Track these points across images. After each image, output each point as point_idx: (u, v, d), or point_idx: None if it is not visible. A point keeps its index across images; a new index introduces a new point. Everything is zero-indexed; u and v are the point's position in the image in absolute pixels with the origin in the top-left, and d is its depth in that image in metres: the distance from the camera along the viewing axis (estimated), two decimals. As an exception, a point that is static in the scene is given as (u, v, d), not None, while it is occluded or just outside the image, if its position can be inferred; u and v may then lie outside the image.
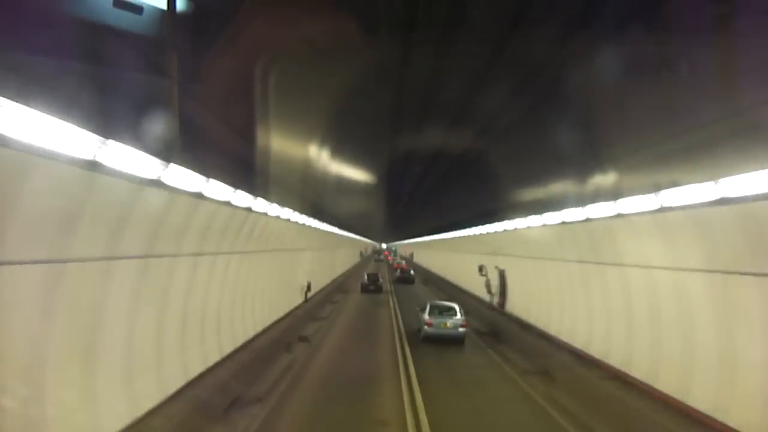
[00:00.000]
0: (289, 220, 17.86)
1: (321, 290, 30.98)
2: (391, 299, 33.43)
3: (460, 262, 36.59)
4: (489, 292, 26.47)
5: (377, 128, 17.69)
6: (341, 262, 46.81)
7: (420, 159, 22.82)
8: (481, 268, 27.46)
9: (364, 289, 36.60)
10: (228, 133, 10.52)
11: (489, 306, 25.99)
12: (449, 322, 18.48)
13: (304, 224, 21.09)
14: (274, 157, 13.62)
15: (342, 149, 18.80)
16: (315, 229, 25.25)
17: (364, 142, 19.37)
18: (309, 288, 25.52)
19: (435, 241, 48.08)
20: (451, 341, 18.25)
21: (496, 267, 25.32)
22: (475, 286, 29.86)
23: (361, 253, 77.43)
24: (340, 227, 35.87)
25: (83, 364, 6.89)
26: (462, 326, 18.48)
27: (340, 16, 8.90)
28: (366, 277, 38.14)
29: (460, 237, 33.19)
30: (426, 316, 18.74)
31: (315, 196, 21.40)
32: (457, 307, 19.42)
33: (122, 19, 6.82)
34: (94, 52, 6.35)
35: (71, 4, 6.27)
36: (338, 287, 36.83)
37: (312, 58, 10.49)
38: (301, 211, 19.13)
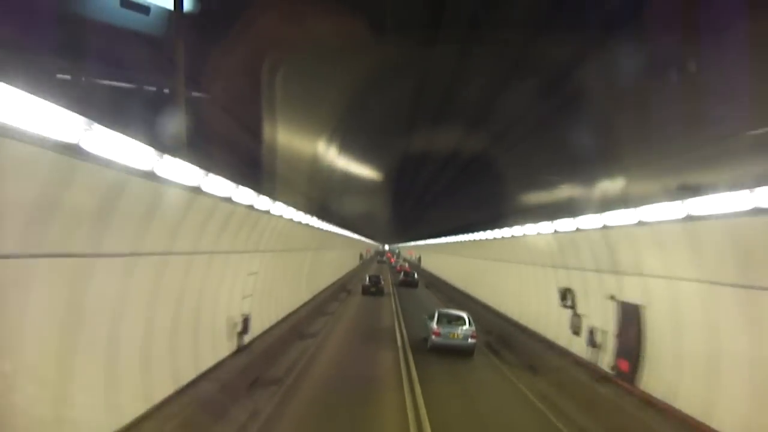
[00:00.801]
0: (231, 200, 10.61)
1: (285, 319, 19.02)
2: (397, 325, 22.74)
3: (505, 278, 24.42)
4: (591, 342, 14.27)
5: (390, 124, 17.22)
6: (332, 269, 35.20)
7: (435, 156, 21.86)
8: (565, 294, 15.48)
9: (366, 291, 35.51)
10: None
11: (592, 371, 13.67)
12: (459, 332, 17.57)
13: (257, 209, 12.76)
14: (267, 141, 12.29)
15: (347, 142, 17.35)
16: (283, 219, 15.41)
17: (373, 138, 18.83)
18: (246, 327, 13.32)
19: (456, 243, 36.45)
20: (460, 353, 17.32)
21: (613, 297, 13.13)
22: (544, 322, 17.90)
23: (361, 256, 65.39)
24: (336, 223, 28.79)
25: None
26: (472, 337, 17.56)
27: (355, 14, 8.87)
28: (367, 279, 36.94)
29: (509, 238, 21.25)
30: (434, 325, 17.80)
31: (304, 182, 17.81)
32: (466, 316, 18.32)
33: (129, 19, 7.01)
34: (101, 51, 6.71)
35: (79, 4, 6.70)
36: (320, 306, 25.66)
37: (327, 55, 10.54)
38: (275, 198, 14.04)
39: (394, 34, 10.21)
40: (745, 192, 7.89)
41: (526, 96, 12.45)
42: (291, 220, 16.55)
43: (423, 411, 11.17)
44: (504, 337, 19.68)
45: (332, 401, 11.88)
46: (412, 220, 47.27)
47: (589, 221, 13.08)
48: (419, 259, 73.85)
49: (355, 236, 47.10)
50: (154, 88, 8.63)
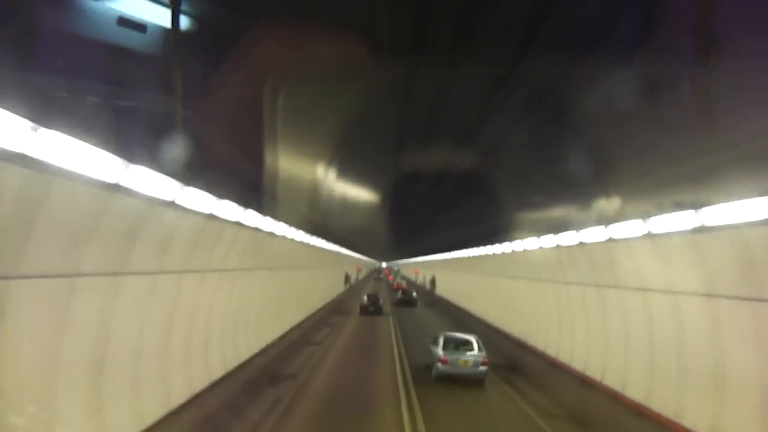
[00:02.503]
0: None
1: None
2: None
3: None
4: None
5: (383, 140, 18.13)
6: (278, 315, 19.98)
7: (430, 168, 22.48)
8: None
9: (364, 311, 33.34)
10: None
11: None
12: (468, 359, 16.44)
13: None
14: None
15: (343, 162, 18.45)
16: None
17: (368, 156, 19.67)
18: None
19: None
20: (468, 382, 16.19)
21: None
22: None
23: (347, 279, 47.99)
24: (311, 232, 22.82)
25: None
26: (483, 364, 16.45)
27: (347, 38, 9.43)
28: (366, 298, 34.62)
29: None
30: (440, 351, 16.72)
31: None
32: (475, 341, 17.23)
33: (126, 37, 7.61)
34: (97, 69, 7.20)
35: (76, 23, 7.22)
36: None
37: (319, 78, 11.20)
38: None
39: (382, 58, 10.75)
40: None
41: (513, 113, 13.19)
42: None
43: None
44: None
45: None
46: (413, 233, 44.51)
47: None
48: (433, 282, 51.33)
49: (337, 249, 35.19)
50: (153, 108, 8.87)
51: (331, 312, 31.83)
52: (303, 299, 25.22)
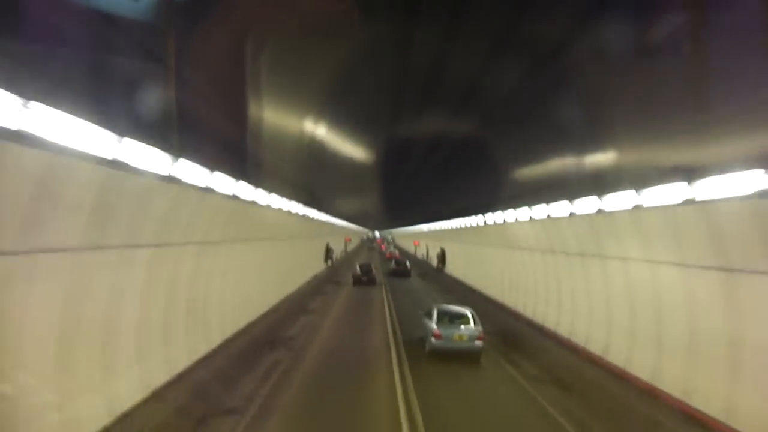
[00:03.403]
0: None
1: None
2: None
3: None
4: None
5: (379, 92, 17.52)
6: None
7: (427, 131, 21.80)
8: None
9: (357, 281, 33.89)
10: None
11: None
12: (463, 334, 15.88)
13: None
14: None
15: (333, 120, 18.40)
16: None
17: (361, 114, 19.50)
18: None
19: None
20: (464, 357, 15.89)
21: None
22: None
23: (328, 253, 39.22)
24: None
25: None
26: (479, 339, 15.88)
27: None
28: (358, 268, 35.24)
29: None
30: (433, 326, 16.19)
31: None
32: (470, 314, 16.61)
33: (118, 5, 7.42)
34: (88, 37, 6.85)
35: None
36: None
37: (310, 33, 11.05)
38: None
39: (378, 10, 10.65)
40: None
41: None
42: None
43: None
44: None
45: None
46: (411, 198, 42.57)
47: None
48: (442, 256, 40.84)
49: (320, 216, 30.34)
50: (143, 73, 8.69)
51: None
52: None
